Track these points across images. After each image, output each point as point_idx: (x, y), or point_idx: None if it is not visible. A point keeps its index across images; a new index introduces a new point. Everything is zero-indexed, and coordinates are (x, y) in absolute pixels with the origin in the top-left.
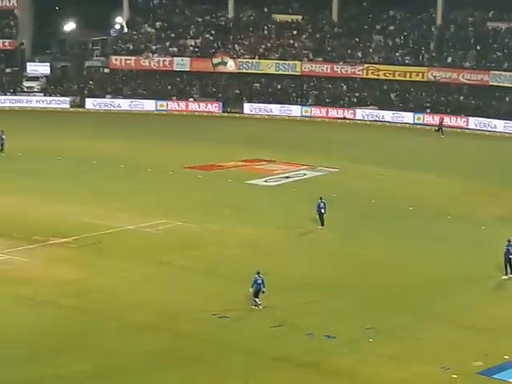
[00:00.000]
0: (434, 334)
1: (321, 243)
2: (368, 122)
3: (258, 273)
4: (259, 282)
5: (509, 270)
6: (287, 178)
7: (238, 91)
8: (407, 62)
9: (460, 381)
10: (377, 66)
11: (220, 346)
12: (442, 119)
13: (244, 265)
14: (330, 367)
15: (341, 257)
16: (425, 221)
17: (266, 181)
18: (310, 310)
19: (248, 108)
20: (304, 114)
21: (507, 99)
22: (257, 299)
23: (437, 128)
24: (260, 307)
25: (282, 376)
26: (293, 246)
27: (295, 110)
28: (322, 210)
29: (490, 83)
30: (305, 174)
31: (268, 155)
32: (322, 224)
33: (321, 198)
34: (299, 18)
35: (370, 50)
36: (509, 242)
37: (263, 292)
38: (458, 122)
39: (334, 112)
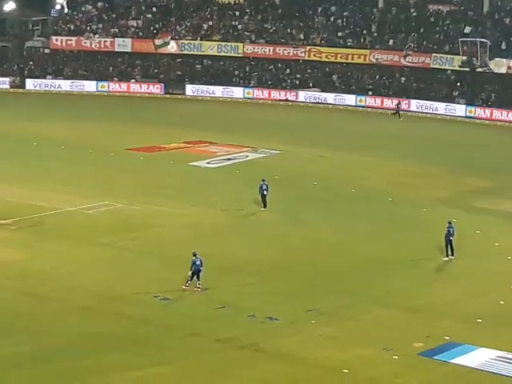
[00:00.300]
0: (376, 316)
1: (263, 225)
2: (310, 104)
3: (195, 254)
4: (198, 263)
5: (449, 251)
6: (229, 159)
7: (179, 72)
8: (349, 44)
9: (401, 362)
10: (319, 48)
11: (162, 327)
12: (399, 103)
13: (186, 246)
14: (272, 349)
15: (283, 238)
16: (366, 203)
17: (208, 163)
18: (252, 291)
19: (190, 89)
20: (246, 95)
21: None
22: (197, 281)
23: (394, 111)
24: (200, 289)
25: (225, 358)
26: (235, 228)
27: (237, 92)
28: (265, 192)
29: (432, 66)
30: (247, 156)
31: (210, 137)
32: (265, 206)
33: (263, 180)
34: None
35: (312, 32)
36: (449, 223)
37: (200, 271)
38: (401, 104)
39: (276, 94)
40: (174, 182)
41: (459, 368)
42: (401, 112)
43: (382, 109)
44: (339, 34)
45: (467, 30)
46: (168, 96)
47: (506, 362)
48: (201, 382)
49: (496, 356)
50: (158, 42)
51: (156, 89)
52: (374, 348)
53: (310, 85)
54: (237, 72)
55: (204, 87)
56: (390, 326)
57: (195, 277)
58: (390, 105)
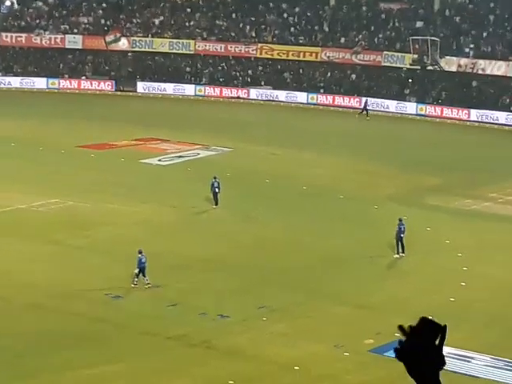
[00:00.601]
0: (327, 313)
1: (215, 222)
2: (262, 102)
3: (141, 252)
4: (143, 260)
5: (400, 248)
6: (181, 157)
7: (131, 70)
8: (301, 41)
9: (352, 359)
10: (270, 45)
11: (114, 325)
12: (366, 101)
13: (137, 244)
14: (223, 346)
15: (235, 236)
16: (318, 200)
17: (159, 160)
18: (204, 289)
19: (141, 87)
20: (198, 93)
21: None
22: (144, 278)
23: (361, 110)
24: (148, 286)
25: (176, 356)
26: (187, 226)
27: (189, 89)
28: (216, 190)
29: (383, 64)
30: (198, 154)
31: (162, 134)
32: (216, 203)
33: (215, 178)
34: None
35: (264, 30)
36: (400, 221)
37: (145, 268)
38: (351, 102)
39: (227, 91)
40: (125, 179)
41: None
42: (369, 110)
43: (334, 106)
44: (291, 31)
45: (418, 24)
46: (119, 93)
47: (456, 358)
48: (152, 379)
49: (446, 353)
50: (108, 38)
51: (107, 86)
52: (325, 345)
53: (262, 82)
54: (188, 69)
55: (155, 84)
56: (342, 323)
57: (141, 274)
58: (342, 102)
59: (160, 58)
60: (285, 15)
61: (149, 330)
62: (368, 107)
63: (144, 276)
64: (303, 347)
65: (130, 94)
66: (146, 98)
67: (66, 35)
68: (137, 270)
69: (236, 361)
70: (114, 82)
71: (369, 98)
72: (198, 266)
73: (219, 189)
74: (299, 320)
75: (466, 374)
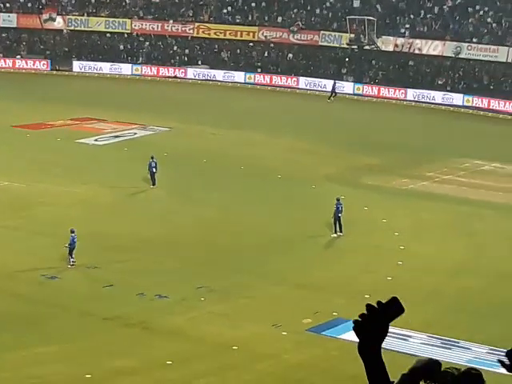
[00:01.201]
0: (266, 293)
1: (152, 202)
2: (199, 81)
3: (73, 231)
4: (75, 240)
5: (338, 228)
6: (117, 137)
7: (66, 49)
8: (238, 21)
9: (290, 338)
10: (208, 24)
11: (51, 306)
12: (334, 83)
13: (74, 225)
14: (161, 326)
15: (173, 216)
16: (256, 180)
17: (96, 140)
18: (142, 269)
19: (77, 66)
20: (135, 72)
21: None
22: (70, 257)
23: (330, 93)
24: (74, 265)
25: (114, 336)
26: (124, 206)
27: (125, 69)
28: (154, 170)
29: (320, 43)
30: (135, 134)
31: (98, 114)
32: (154, 183)
33: (152, 158)
34: None
35: (201, 9)
36: (337, 200)
37: (66, 247)
38: (289, 81)
39: (164, 71)
40: (61, 159)
41: (346, 344)
42: (336, 92)
43: (271, 86)
44: (228, 10)
45: (356, 3)
46: (55, 72)
47: (391, 336)
48: (90, 360)
49: None
50: (44, 16)
51: (42, 65)
52: (263, 325)
53: (199, 62)
54: (125, 48)
55: (91, 63)
56: (280, 303)
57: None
58: (279, 82)
59: (96, 37)
60: None
61: (86, 311)
62: (336, 89)
63: (70, 255)
64: (242, 327)
65: (66, 73)
66: (82, 77)
67: (1, 14)
68: (68, 250)
69: (174, 341)
70: (49, 61)
71: (335, 81)
72: (136, 247)
73: (156, 169)
74: (238, 300)
75: (404, 353)
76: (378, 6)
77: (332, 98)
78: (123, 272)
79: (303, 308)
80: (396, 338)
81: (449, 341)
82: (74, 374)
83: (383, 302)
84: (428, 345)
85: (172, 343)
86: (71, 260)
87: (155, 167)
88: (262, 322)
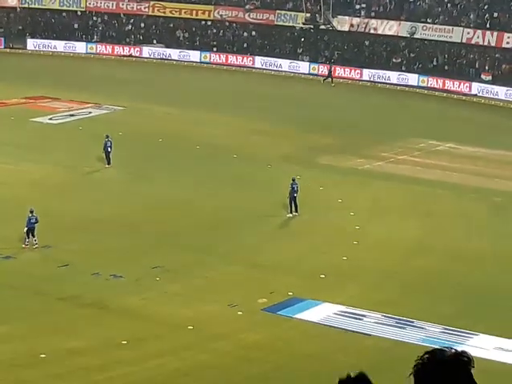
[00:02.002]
0: (222, 273)
1: (108, 182)
2: (155, 60)
3: (32, 211)
4: (33, 220)
5: (293, 208)
6: (72, 116)
7: (20, 27)
8: (194, 0)
9: (245, 318)
10: (163, 3)
11: (4, 286)
12: (331, 67)
13: (28, 204)
14: (116, 306)
15: (128, 196)
16: (212, 160)
17: (50, 119)
18: (96, 249)
19: (31, 44)
20: (89, 50)
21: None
22: (33, 239)
23: (326, 77)
24: (35, 246)
25: (69, 316)
26: (79, 185)
27: (80, 47)
28: (109, 149)
29: (276, 23)
30: (90, 112)
31: (52, 93)
32: (109, 163)
33: (107, 137)
34: None
35: None
36: (293, 180)
37: (35, 228)
38: (244, 61)
39: (119, 49)
40: (14, 138)
41: (302, 323)
42: (333, 77)
43: (227, 65)
44: None
45: None
46: (8, 50)
47: (346, 316)
48: (44, 340)
49: (338, 311)
50: None
51: None
52: (219, 304)
53: (154, 41)
54: (79, 26)
55: (46, 41)
56: (236, 283)
57: (31, 234)
58: (235, 61)
59: (50, 15)
60: None
61: (40, 291)
62: (332, 73)
63: (33, 236)
64: (197, 307)
65: (20, 51)
66: (36, 55)
67: None
68: (25, 229)
69: (130, 321)
70: (2, 38)
71: (331, 65)
72: (90, 227)
73: (111, 148)
74: (193, 280)
75: (359, 332)
76: None
77: (331, 82)
78: (78, 252)
79: (258, 288)
80: (351, 317)
81: (403, 320)
82: (28, 353)
83: (352, 376)
84: (383, 324)
85: (127, 323)
86: (26, 240)
87: (110, 146)
88: (218, 301)
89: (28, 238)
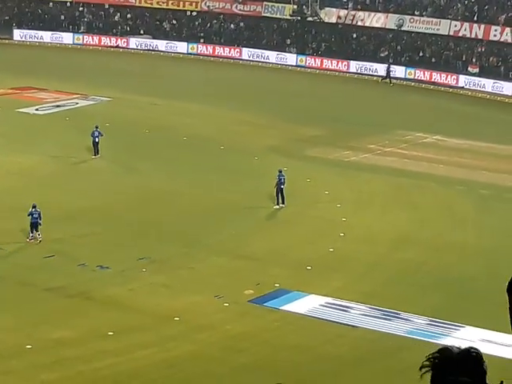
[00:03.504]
0: (208, 264)
1: (95, 173)
2: (141, 51)
3: (35, 206)
4: (35, 215)
5: (280, 199)
6: (59, 106)
7: (7, 17)
8: None
9: (232, 309)
10: None
11: None
12: (389, 67)
13: (15, 195)
14: (102, 297)
15: (115, 186)
16: (198, 151)
17: (37, 109)
18: (83, 240)
19: (18, 34)
20: (76, 41)
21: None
22: (36, 233)
23: (384, 76)
24: (39, 241)
25: (54, 306)
26: (66, 176)
27: (67, 38)
28: (97, 139)
29: (263, 14)
30: (77, 103)
31: (39, 83)
32: (96, 153)
33: (96, 127)
34: None
35: None
36: (280, 172)
37: (40, 224)
38: (232, 52)
39: (106, 40)
40: (1, 128)
41: (288, 315)
42: (391, 77)
43: (214, 57)
44: None
45: None
46: None
47: (332, 307)
48: (30, 331)
49: (324, 302)
50: None
51: None
52: (205, 296)
53: (141, 32)
54: (66, 17)
55: (32, 32)
56: (222, 274)
57: (34, 229)
58: (222, 53)
59: (36, 5)
60: None
61: (26, 282)
62: (391, 73)
63: (36, 231)
64: (183, 298)
65: (6, 41)
66: (22, 45)
67: None
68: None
69: (116, 312)
70: None
71: (389, 64)
72: (77, 217)
73: (99, 138)
74: (179, 271)
75: (345, 324)
76: None
77: (389, 83)
78: (64, 242)
79: (245, 279)
80: (337, 309)
81: (390, 312)
82: (14, 344)
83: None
84: (369, 316)
85: (113, 314)
86: (31, 235)
87: (98, 137)
88: (204, 293)
89: (32, 232)
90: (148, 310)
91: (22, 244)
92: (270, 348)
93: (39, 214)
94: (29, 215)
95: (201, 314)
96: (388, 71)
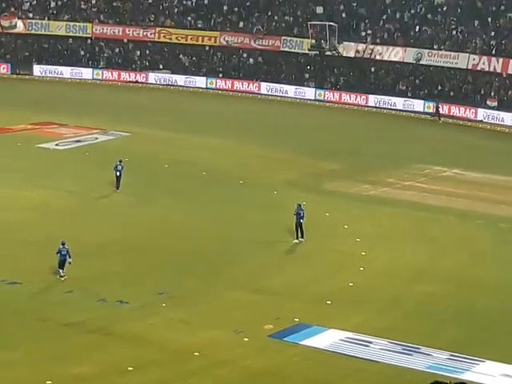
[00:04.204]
0: (227, 298)
1: (114, 207)
2: (160, 86)
3: (63, 243)
4: (64, 252)
5: (299, 234)
6: (78, 141)
7: (27, 53)
8: (199, 26)
9: (251, 344)
10: (169, 29)
11: (10, 312)
12: (437, 105)
13: (36, 229)
14: (122, 332)
15: (135, 221)
16: (218, 185)
17: (57, 144)
18: (103, 275)
19: (38, 70)
20: (95, 76)
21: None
22: (61, 270)
23: (434, 113)
24: (63, 278)
25: (75, 342)
26: (86, 210)
27: (86, 73)
28: (118, 173)
29: (281, 49)
30: (96, 138)
31: (59, 119)
32: (118, 187)
33: (120, 161)
34: None
35: (162, 14)
36: (299, 206)
37: (70, 263)
38: (250, 87)
39: (126, 75)
40: (21, 164)
41: (308, 349)
42: (441, 115)
43: (233, 91)
44: (189, 15)
45: (319, 10)
46: (15, 76)
47: (353, 342)
48: (50, 366)
49: (344, 337)
50: (4, 23)
51: (2, 69)
52: (225, 330)
53: (160, 67)
54: (86, 53)
55: (52, 68)
56: (242, 308)
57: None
58: (241, 87)
59: (57, 41)
60: None
61: (46, 317)
62: (440, 110)
63: (62, 268)
64: (203, 333)
65: (27, 77)
66: (42, 81)
67: None
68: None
69: (135, 347)
70: (9, 64)
71: (438, 102)
72: (97, 252)
73: (121, 172)
74: (199, 306)
75: (365, 359)
76: (339, 12)
77: (438, 120)
78: (84, 277)
79: (265, 313)
80: (357, 343)
81: (409, 347)
82: (34, 380)
83: None
84: (389, 351)
85: (133, 349)
86: (62, 272)
87: (121, 171)
88: (224, 327)
89: (62, 270)
90: (168, 345)
91: (40, 278)
92: (290, 383)
93: (67, 252)
94: (57, 253)
95: (221, 348)
96: (437, 109)
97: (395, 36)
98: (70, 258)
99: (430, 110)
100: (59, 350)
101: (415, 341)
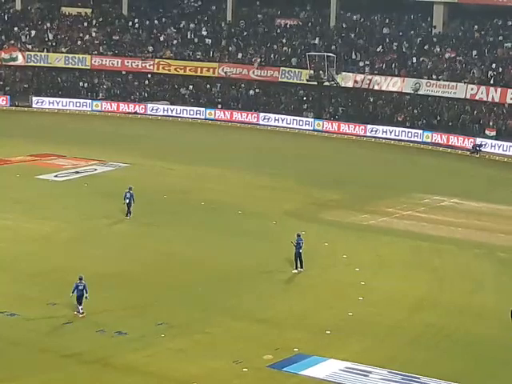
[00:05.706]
0: (227, 328)
1: (113, 238)
2: (159, 117)
3: (81, 278)
4: (81, 288)
5: (299, 263)
6: (77, 173)
7: (26, 85)
8: (198, 57)
9: (251, 374)
10: (168, 60)
11: (8, 343)
12: (475, 143)
13: (35, 261)
14: (121, 363)
15: (135, 251)
16: (217, 215)
17: (55, 176)
18: (102, 305)
19: (36, 102)
20: (94, 108)
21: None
22: (80, 306)
23: (472, 150)
24: (81, 315)
25: (72, 374)
26: (84, 241)
27: (85, 105)
28: (127, 201)
29: (280, 79)
30: (95, 169)
31: (58, 150)
32: (127, 214)
33: (130, 188)
34: (89, 11)
35: (161, 45)
36: (298, 236)
37: (86, 298)
38: (249, 117)
39: (124, 107)
40: (21, 195)
41: (308, 380)
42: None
43: (232, 122)
44: (188, 47)
45: (315, 40)
46: (14, 108)
47: (352, 372)
48: None
49: (344, 367)
50: (4, 56)
51: (1, 101)
52: (224, 361)
53: (159, 98)
54: (85, 84)
55: (51, 99)
56: (241, 339)
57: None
58: (240, 118)
59: (55, 73)
60: (182, 31)
61: (44, 348)
62: (479, 148)
63: (80, 304)
64: (202, 363)
65: (25, 109)
66: (41, 113)
67: None
68: (71, 295)
69: (134, 378)
70: (8, 97)
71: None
72: (95, 282)
73: (130, 200)
74: (198, 336)
75: None
76: (337, 43)
77: (477, 154)
78: (83, 308)
79: (264, 344)
80: (356, 373)
81: (409, 377)
82: None
83: None
84: (388, 380)
85: (132, 380)
86: (80, 308)
87: (130, 198)
88: (223, 358)
89: (80, 306)
90: (167, 376)
91: (38, 310)
92: None
93: (84, 287)
94: (74, 290)
95: (220, 379)
96: (475, 144)
97: (393, 66)
98: (86, 293)
99: (429, 140)
100: (57, 381)
101: (415, 371)
